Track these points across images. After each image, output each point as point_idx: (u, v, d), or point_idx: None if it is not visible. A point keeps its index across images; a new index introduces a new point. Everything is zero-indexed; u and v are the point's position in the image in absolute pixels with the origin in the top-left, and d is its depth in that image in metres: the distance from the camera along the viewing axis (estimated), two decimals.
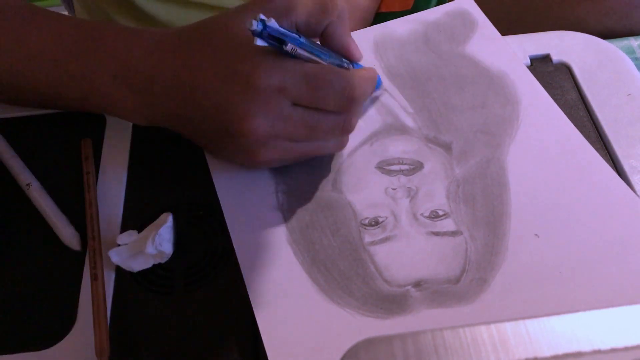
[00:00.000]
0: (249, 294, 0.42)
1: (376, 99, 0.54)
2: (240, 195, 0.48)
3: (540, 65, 0.57)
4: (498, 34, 0.58)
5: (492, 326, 0.33)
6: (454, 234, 0.45)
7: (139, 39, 0.47)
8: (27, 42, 0.49)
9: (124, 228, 0.48)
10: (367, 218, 0.46)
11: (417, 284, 0.43)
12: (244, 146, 0.46)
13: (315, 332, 0.41)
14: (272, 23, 0.41)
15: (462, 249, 0.45)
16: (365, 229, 0.46)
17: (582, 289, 0.42)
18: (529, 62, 0.57)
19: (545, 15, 0.72)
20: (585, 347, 0.32)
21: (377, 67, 0.56)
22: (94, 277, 0.44)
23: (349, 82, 0.45)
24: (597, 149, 0.50)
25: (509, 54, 0.56)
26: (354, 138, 0.51)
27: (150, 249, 0.45)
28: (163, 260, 0.46)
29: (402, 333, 0.33)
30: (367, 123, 0.52)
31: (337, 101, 0.45)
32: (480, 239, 0.45)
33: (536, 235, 0.45)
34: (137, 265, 0.45)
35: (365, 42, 0.58)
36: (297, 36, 0.43)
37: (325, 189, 0.48)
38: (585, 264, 0.43)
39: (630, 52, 0.61)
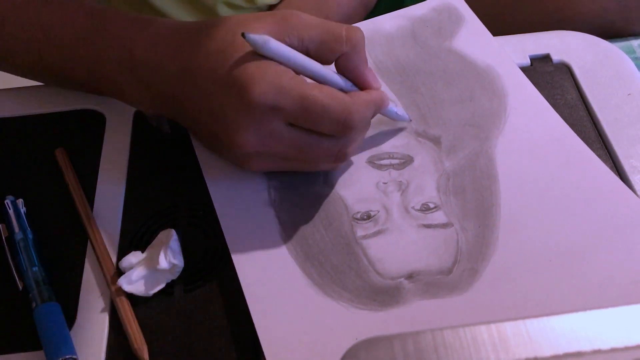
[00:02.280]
0: (243, 289, 0.43)
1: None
2: (232, 192, 0.48)
3: (540, 65, 0.57)
4: (484, 28, 0.59)
5: (492, 326, 0.33)
6: (445, 226, 0.46)
7: (146, 29, 0.48)
8: (39, 23, 0.50)
9: (123, 228, 0.48)
10: (359, 212, 0.47)
11: (410, 276, 0.43)
12: (234, 155, 0.47)
13: (310, 326, 0.41)
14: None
15: (454, 241, 0.45)
16: (357, 223, 0.46)
17: (571, 277, 0.43)
18: (529, 62, 0.57)
19: (544, 13, 0.72)
20: (585, 347, 0.32)
21: None
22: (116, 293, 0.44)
23: (346, 108, 0.44)
24: (597, 149, 0.50)
25: (495, 48, 0.57)
26: None
27: (163, 263, 0.43)
28: (175, 276, 0.45)
29: (402, 333, 0.33)
30: None
31: (333, 126, 0.44)
32: (471, 230, 0.46)
33: (526, 225, 0.45)
34: (152, 287, 0.44)
35: None
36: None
37: (317, 185, 0.49)
38: (574, 252, 0.44)
39: (630, 52, 0.61)
